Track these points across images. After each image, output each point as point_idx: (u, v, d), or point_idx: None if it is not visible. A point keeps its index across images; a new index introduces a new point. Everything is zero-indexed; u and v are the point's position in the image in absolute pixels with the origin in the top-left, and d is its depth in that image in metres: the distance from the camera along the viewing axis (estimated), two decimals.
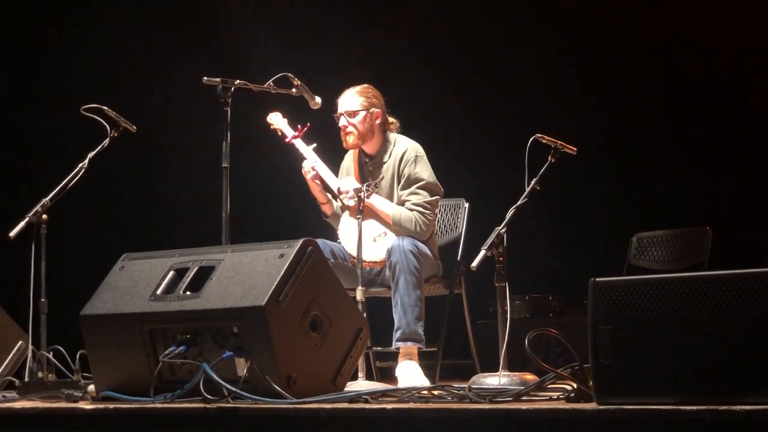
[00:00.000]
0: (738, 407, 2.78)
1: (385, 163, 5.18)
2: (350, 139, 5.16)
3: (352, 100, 5.16)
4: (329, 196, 5.25)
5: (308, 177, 5.17)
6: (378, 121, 5.18)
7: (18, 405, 3.95)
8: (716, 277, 2.94)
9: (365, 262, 4.88)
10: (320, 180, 5.17)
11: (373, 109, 5.16)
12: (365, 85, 5.23)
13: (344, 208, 5.16)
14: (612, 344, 3.01)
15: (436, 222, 5.25)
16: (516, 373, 4.22)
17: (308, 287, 3.73)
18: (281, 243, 3.80)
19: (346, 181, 5.15)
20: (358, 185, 4.97)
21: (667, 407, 2.87)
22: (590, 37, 7.22)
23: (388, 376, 5.34)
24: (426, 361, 5.01)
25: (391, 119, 5.25)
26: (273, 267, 3.69)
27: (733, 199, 6.70)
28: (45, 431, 3.76)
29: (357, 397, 3.50)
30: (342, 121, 5.16)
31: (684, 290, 2.96)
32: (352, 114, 5.14)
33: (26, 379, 4.42)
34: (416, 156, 5.13)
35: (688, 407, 2.84)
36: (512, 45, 7.38)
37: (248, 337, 3.63)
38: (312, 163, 5.15)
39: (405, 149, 5.15)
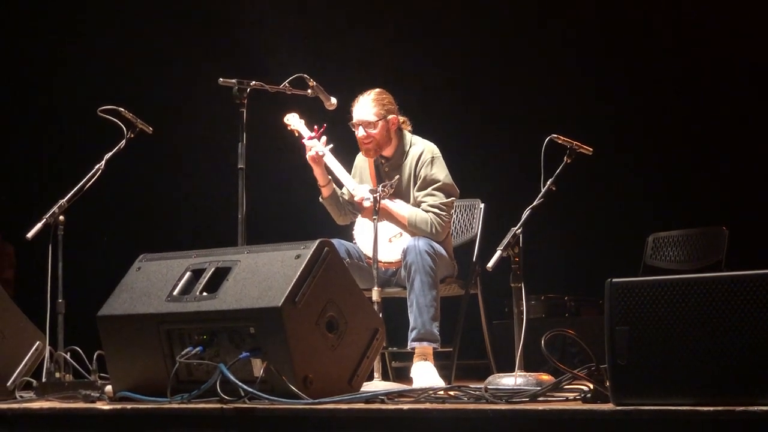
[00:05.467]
0: (755, 408, 2.77)
1: (401, 164, 5.17)
2: (372, 150, 5.15)
3: (368, 110, 5.12)
4: (330, 178, 5.24)
5: (309, 155, 5.15)
6: (394, 127, 5.17)
7: (35, 405, 3.97)
8: (733, 277, 2.93)
9: (381, 262, 4.88)
10: (322, 162, 5.15)
11: (389, 116, 5.14)
12: (378, 91, 5.19)
13: (360, 208, 5.16)
14: (629, 345, 3.01)
15: (451, 223, 5.25)
16: (532, 374, 4.21)
17: (324, 288, 3.73)
18: (297, 244, 3.80)
19: (360, 188, 5.14)
20: (369, 195, 4.95)
21: (684, 408, 2.87)
22: (606, 38, 7.21)
23: (403, 376, 5.34)
24: (441, 362, 5.01)
25: (402, 118, 5.24)
26: (289, 268, 3.70)
27: (750, 199, 6.68)
28: None
29: (373, 398, 3.51)
30: (360, 132, 5.15)
31: (701, 291, 2.95)
32: (371, 125, 5.12)
33: (44, 380, 4.44)
34: (432, 157, 5.12)
35: (705, 408, 2.83)
36: (528, 45, 7.38)
37: (265, 338, 3.63)
38: (320, 149, 5.14)
39: (421, 150, 5.14)
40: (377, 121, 5.12)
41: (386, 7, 7.61)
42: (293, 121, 5.32)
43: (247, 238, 4.70)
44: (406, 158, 5.17)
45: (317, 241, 3.77)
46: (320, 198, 5.29)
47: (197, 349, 3.74)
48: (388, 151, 5.21)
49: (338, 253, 3.93)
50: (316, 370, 3.63)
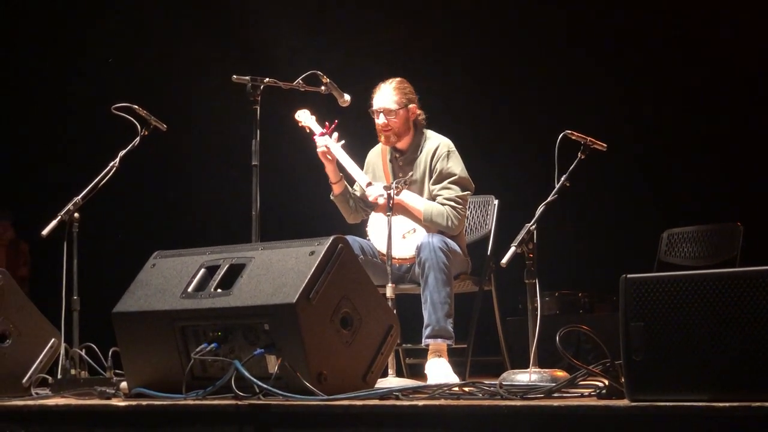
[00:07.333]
0: None
1: (416, 158, 5.17)
2: (391, 138, 5.15)
3: (390, 97, 5.14)
4: (341, 176, 5.24)
5: (320, 151, 5.15)
6: (414, 117, 5.18)
7: (51, 402, 3.98)
8: (748, 273, 2.92)
9: (394, 259, 4.88)
10: (333, 158, 5.16)
11: (410, 105, 5.15)
12: (399, 80, 5.20)
13: (374, 206, 5.16)
14: (644, 341, 3.00)
15: (466, 217, 5.25)
16: (546, 370, 4.21)
17: (339, 284, 3.74)
18: (311, 240, 3.81)
19: (372, 188, 5.14)
20: (383, 192, 4.94)
21: (700, 404, 2.86)
22: (619, 33, 7.19)
23: (417, 372, 5.34)
24: (455, 358, 5.00)
25: (418, 111, 5.24)
26: (303, 264, 3.70)
27: (764, 195, 6.65)
28: (78, 428, 3.78)
29: (388, 394, 3.51)
30: (381, 119, 5.15)
31: (716, 287, 2.95)
32: (392, 112, 5.13)
33: (59, 377, 4.45)
34: (448, 151, 5.12)
35: (721, 404, 2.83)
36: (542, 41, 7.36)
37: (279, 334, 3.64)
38: (331, 145, 5.14)
39: (437, 145, 5.14)
40: (398, 109, 5.12)
41: (401, 3, 7.60)
42: (304, 117, 5.31)
43: (261, 235, 4.70)
44: (420, 153, 5.17)
45: (331, 238, 3.77)
46: (331, 195, 5.29)
47: (212, 345, 3.75)
48: (403, 144, 5.21)
49: (352, 250, 3.94)
50: (330, 366, 3.64)
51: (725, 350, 2.91)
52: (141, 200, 7.63)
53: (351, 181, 5.30)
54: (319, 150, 5.17)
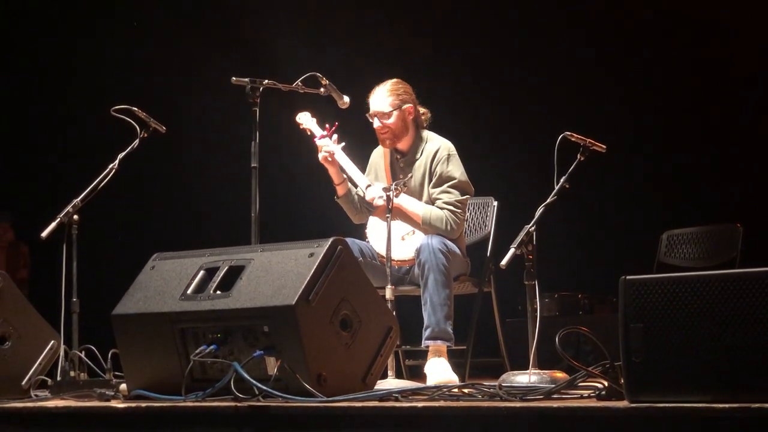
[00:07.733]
0: None
1: (416, 160, 5.17)
2: (387, 141, 5.16)
3: (384, 100, 5.14)
4: (345, 177, 5.24)
5: (321, 156, 5.15)
6: (411, 117, 5.18)
7: (51, 404, 3.98)
8: (748, 274, 2.92)
9: (394, 260, 4.87)
10: (335, 160, 5.15)
11: (405, 106, 5.15)
12: (394, 81, 5.20)
13: (373, 207, 5.16)
14: (644, 342, 3.00)
15: (465, 220, 5.24)
16: (546, 371, 4.21)
17: (338, 286, 3.74)
18: (311, 242, 3.81)
19: (371, 189, 5.14)
20: (382, 193, 4.94)
21: (700, 405, 2.86)
22: (618, 35, 7.19)
23: (417, 374, 5.33)
24: (455, 360, 5.00)
25: (422, 110, 5.24)
26: (303, 266, 3.70)
27: (764, 196, 6.65)
28: (77, 430, 3.79)
29: (387, 396, 3.51)
30: (376, 123, 5.15)
31: (715, 288, 2.95)
32: (386, 115, 5.13)
33: (59, 379, 4.46)
34: (449, 155, 5.12)
35: (720, 405, 2.83)
36: (541, 43, 7.37)
37: (279, 336, 3.64)
38: (331, 147, 5.14)
39: (437, 147, 5.14)
40: (392, 111, 5.12)
41: (401, 3, 7.60)
42: (305, 119, 5.31)
43: (261, 237, 4.70)
44: (421, 155, 5.16)
45: (330, 240, 3.78)
46: (335, 197, 5.30)
47: (211, 347, 3.75)
48: (403, 145, 5.20)
49: (352, 252, 3.94)
50: (330, 368, 3.64)
51: (725, 351, 2.91)
52: (140, 202, 7.63)
53: (354, 183, 5.29)
54: (320, 153, 5.17)
